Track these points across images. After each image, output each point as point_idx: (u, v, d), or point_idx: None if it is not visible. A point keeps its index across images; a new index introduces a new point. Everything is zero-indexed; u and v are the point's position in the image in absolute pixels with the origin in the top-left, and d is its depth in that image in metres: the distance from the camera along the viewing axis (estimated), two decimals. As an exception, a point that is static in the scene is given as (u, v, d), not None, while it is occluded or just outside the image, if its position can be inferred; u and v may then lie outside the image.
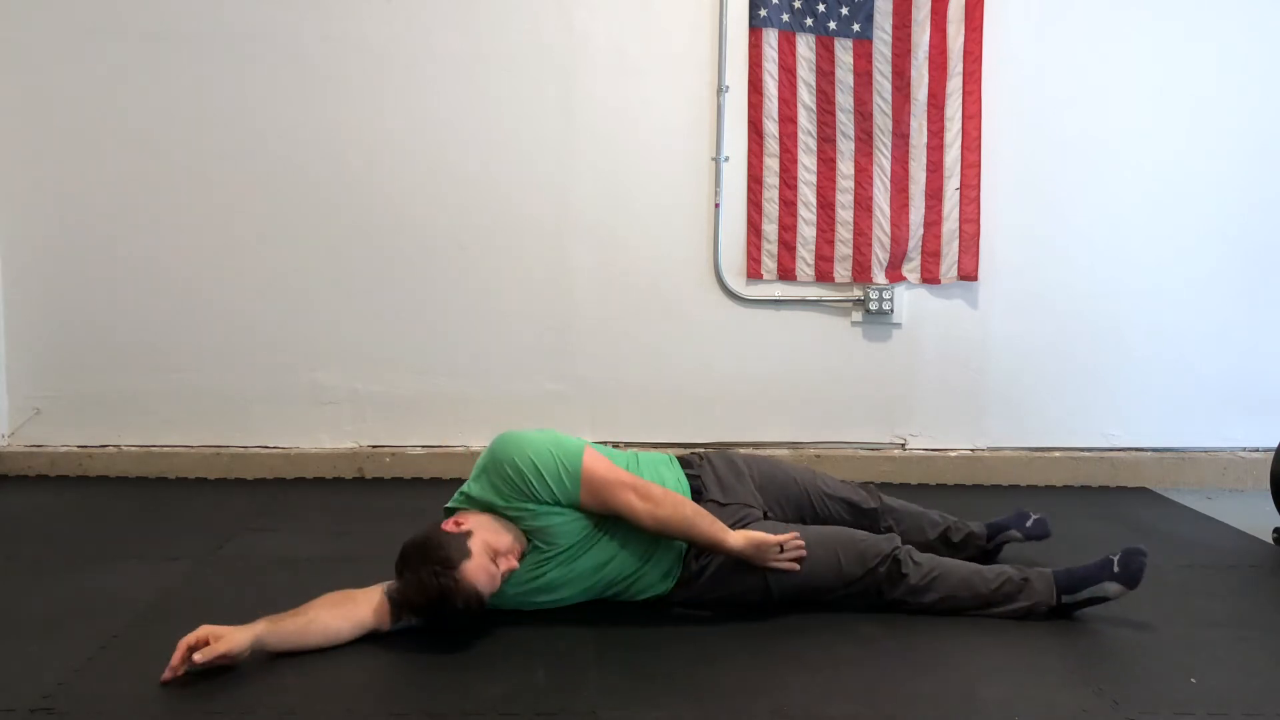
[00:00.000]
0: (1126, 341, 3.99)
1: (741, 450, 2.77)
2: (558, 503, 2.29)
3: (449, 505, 2.39)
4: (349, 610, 2.22)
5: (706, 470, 2.62)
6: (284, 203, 3.84)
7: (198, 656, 2.01)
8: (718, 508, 2.48)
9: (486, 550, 2.20)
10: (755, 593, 2.41)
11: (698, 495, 2.51)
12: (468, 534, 2.21)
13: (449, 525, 2.25)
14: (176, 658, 2.03)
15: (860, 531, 2.53)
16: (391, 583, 2.27)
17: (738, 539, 2.34)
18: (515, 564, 2.24)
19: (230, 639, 2.04)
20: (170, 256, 3.84)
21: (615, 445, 3.92)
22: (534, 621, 2.35)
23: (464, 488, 2.38)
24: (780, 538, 2.38)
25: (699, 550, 2.40)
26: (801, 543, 2.40)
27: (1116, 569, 2.39)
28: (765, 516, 2.58)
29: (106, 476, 3.85)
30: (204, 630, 2.05)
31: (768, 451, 3.93)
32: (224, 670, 2.08)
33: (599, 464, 2.32)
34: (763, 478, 2.66)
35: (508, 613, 2.39)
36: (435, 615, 2.18)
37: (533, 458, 2.28)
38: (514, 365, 3.91)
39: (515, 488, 2.27)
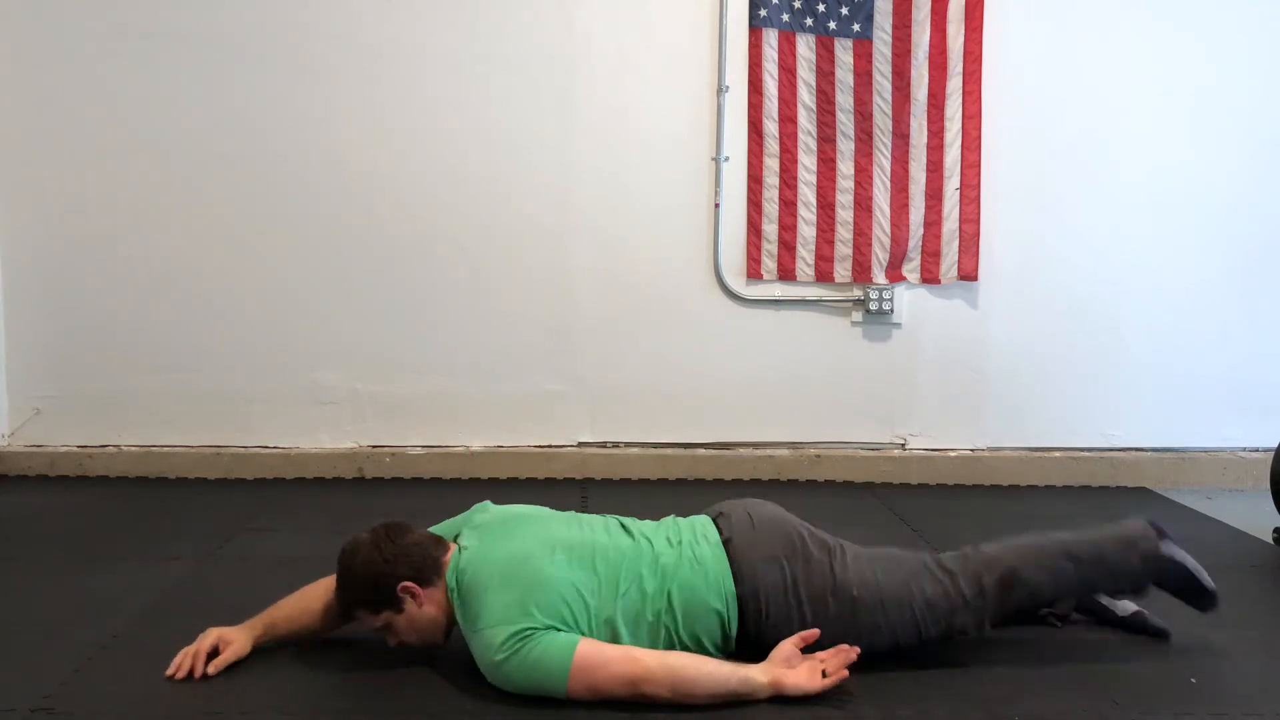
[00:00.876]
0: (1126, 341, 3.99)
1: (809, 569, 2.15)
2: None
3: (460, 545, 2.15)
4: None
5: (764, 623, 2.11)
6: (284, 202, 3.84)
7: (210, 669, 2.07)
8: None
9: (402, 628, 2.08)
10: None
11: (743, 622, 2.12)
12: (401, 610, 2.06)
13: (407, 590, 2.05)
14: (198, 666, 2.06)
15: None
16: None
17: (765, 691, 1.99)
18: (393, 643, 2.10)
19: (239, 648, 2.11)
20: (170, 256, 3.84)
21: (615, 446, 3.94)
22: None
23: (460, 563, 2.08)
24: (824, 683, 2.00)
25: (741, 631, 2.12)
26: (850, 654, 2.03)
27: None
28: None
29: (106, 476, 3.85)
30: (214, 636, 2.12)
31: (767, 452, 3.95)
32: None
33: (585, 683, 1.94)
34: (815, 618, 2.12)
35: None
36: (346, 581, 2.09)
37: (512, 684, 1.97)
38: (514, 365, 3.91)
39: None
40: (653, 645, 2.05)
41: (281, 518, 3.36)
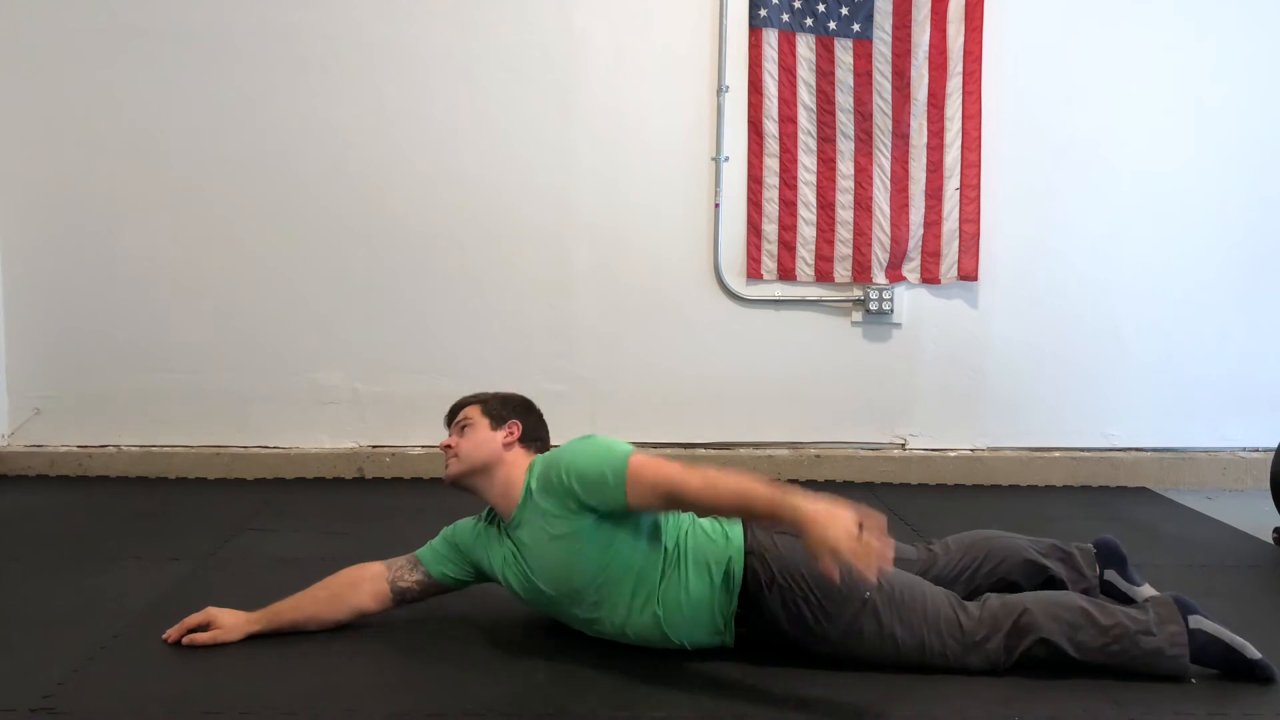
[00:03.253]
0: (1126, 341, 3.99)
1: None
2: (601, 512, 2.08)
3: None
4: (350, 599, 2.31)
5: (768, 591, 2.14)
6: (284, 202, 3.84)
7: (185, 640, 2.21)
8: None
9: (478, 438, 2.23)
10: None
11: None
12: (494, 430, 2.24)
13: (515, 428, 2.25)
14: (175, 632, 2.23)
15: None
16: (397, 573, 2.33)
17: (792, 509, 1.84)
18: (452, 446, 2.26)
19: (227, 634, 2.22)
20: (170, 256, 3.84)
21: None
22: (534, 621, 2.35)
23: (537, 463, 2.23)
24: (854, 546, 1.78)
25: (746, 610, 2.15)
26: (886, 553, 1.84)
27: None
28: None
29: (106, 476, 3.85)
30: (207, 613, 2.25)
31: (767, 452, 3.95)
32: (224, 670, 2.11)
33: (642, 460, 2.04)
34: (821, 605, 2.12)
35: (508, 612, 2.40)
36: (492, 392, 2.35)
37: (581, 458, 2.09)
38: (514, 365, 3.91)
39: (560, 492, 2.10)
40: (664, 566, 2.13)
41: (281, 518, 3.36)
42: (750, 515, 2.04)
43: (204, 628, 2.24)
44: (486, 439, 2.23)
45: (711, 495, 1.96)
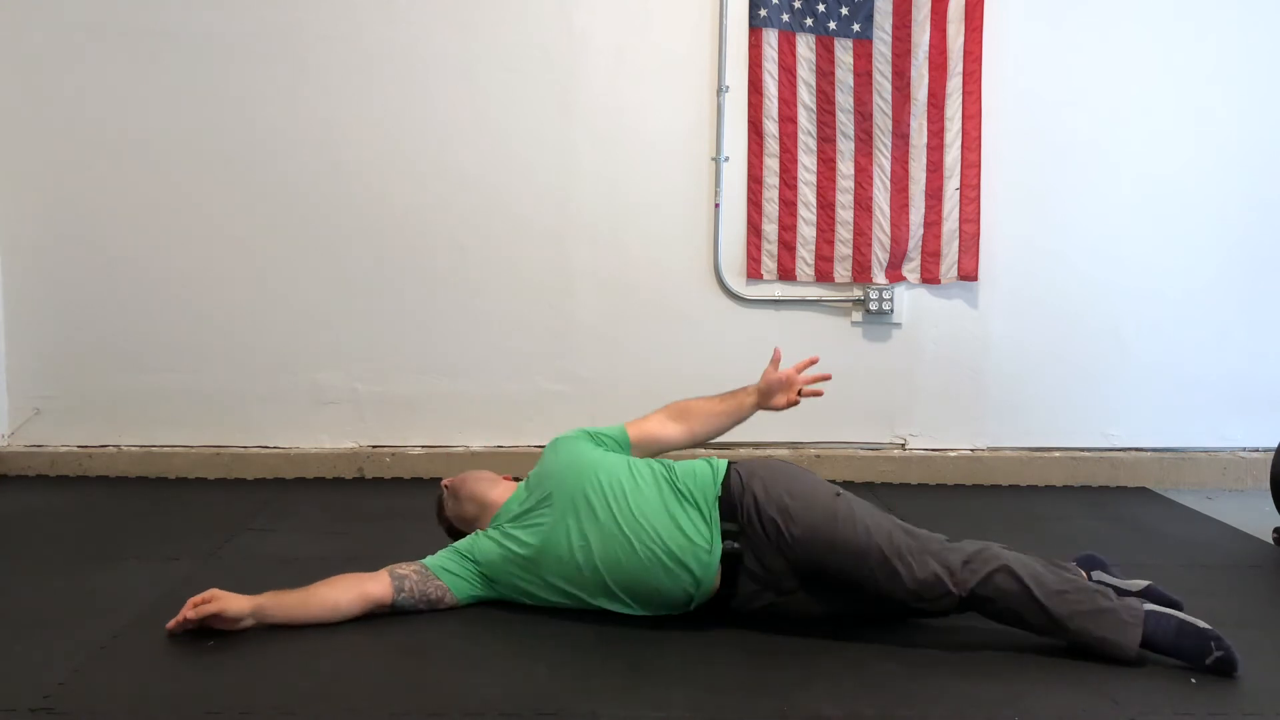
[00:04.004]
0: (1126, 341, 3.99)
1: (789, 500, 2.32)
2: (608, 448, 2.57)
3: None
4: (353, 584, 2.36)
5: (755, 532, 2.32)
6: (284, 203, 3.84)
7: (191, 614, 2.21)
8: (750, 580, 2.34)
9: (479, 478, 2.62)
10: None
11: (735, 563, 2.32)
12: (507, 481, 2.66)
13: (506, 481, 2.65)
14: (187, 613, 2.23)
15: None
16: (395, 565, 2.43)
17: (753, 398, 2.69)
18: (446, 483, 2.66)
19: (227, 602, 2.22)
20: (170, 256, 3.84)
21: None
22: (534, 621, 2.35)
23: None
24: (786, 373, 2.68)
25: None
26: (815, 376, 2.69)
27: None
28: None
29: (106, 476, 3.85)
30: (211, 594, 2.25)
31: (767, 452, 3.94)
32: (224, 669, 2.10)
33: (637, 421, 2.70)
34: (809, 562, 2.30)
35: (508, 612, 2.40)
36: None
37: (578, 429, 2.63)
38: (514, 365, 3.91)
39: (570, 439, 2.59)
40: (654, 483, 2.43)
41: (281, 518, 3.36)
42: (742, 410, 2.69)
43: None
44: (488, 480, 2.63)
45: (711, 406, 2.68)
